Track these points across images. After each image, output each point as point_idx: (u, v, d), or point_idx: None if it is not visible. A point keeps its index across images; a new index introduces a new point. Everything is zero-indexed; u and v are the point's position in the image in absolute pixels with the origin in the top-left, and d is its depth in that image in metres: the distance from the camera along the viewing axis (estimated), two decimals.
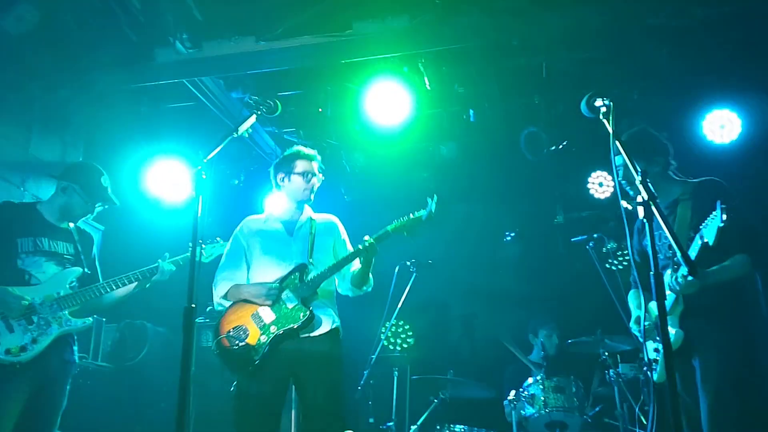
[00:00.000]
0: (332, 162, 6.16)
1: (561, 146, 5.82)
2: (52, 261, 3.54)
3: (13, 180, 4.64)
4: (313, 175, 3.81)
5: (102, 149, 5.43)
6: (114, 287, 3.59)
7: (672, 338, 3.06)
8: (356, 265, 3.71)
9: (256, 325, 3.51)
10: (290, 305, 3.53)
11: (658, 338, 3.19)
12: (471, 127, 5.86)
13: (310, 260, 3.67)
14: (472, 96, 5.49)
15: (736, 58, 4.65)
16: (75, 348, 3.59)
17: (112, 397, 4.97)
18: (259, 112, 3.22)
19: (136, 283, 3.66)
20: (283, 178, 3.82)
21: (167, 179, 5.43)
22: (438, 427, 4.73)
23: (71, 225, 3.73)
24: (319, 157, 3.89)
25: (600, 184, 5.60)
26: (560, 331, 5.40)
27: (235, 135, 3.05)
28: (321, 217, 3.91)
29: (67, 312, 3.45)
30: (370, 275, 3.74)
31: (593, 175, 5.66)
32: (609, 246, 5.20)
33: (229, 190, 6.26)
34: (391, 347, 3.88)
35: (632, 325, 3.40)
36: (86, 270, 3.66)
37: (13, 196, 4.60)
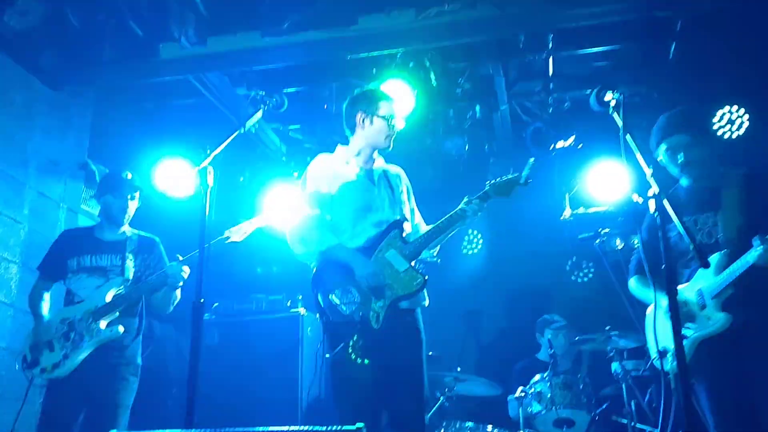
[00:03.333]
0: None
1: (568, 143, 5.79)
2: (94, 276, 3.70)
3: (18, 177, 4.63)
4: (395, 119, 3.41)
5: (106, 146, 5.42)
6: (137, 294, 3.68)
7: (719, 323, 2.99)
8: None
9: (365, 287, 3.12)
10: (401, 268, 3.15)
11: (688, 325, 3.07)
12: (477, 123, 5.84)
13: (406, 216, 3.37)
14: (478, 92, 5.47)
15: (745, 51, 4.61)
16: (127, 352, 3.69)
17: None
18: (265, 107, 3.21)
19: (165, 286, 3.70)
20: (364, 119, 3.37)
21: (172, 176, 5.40)
22: (445, 424, 4.71)
23: (128, 233, 3.87)
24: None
25: (608, 181, 5.55)
26: (568, 331, 5.36)
27: (242, 130, 3.04)
28: (391, 168, 3.57)
29: (100, 323, 3.55)
30: None
31: (601, 171, 5.61)
32: (614, 243, 5.17)
33: (234, 188, 6.25)
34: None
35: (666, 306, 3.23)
36: (128, 278, 3.73)
37: (18, 193, 4.59)
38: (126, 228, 3.91)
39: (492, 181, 3.36)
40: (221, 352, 5.29)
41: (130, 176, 3.84)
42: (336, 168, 3.39)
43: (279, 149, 6.29)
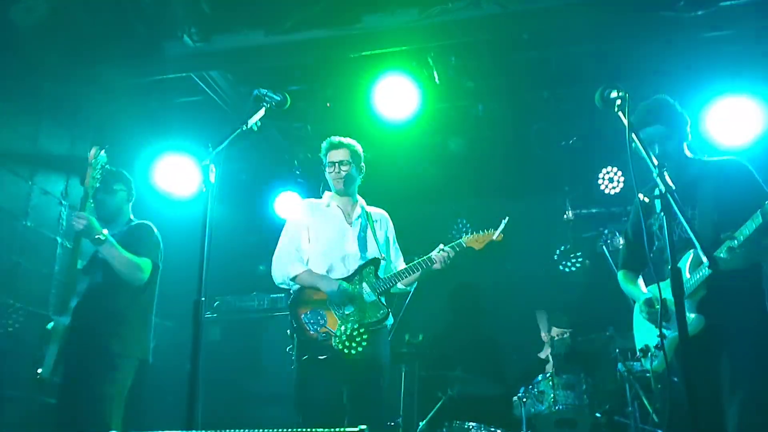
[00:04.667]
0: None
1: (571, 141, 5.78)
2: (88, 275, 3.65)
3: (22, 173, 4.63)
4: (344, 163, 3.79)
5: (110, 143, 5.41)
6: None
7: (691, 325, 2.86)
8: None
9: (334, 312, 3.53)
10: (369, 300, 3.58)
11: (665, 325, 2.94)
12: (480, 122, 5.82)
13: (382, 255, 3.73)
14: (482, 90, 5.46)
15: (754, 51, 4.58)
16: (98, 343, 3.55)
17: None
18: (268, 105, 3.19)
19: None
20: (324, 171, 3.88)
21: (175, 173, 5.41)
22: (446, 424, 4.69)
23: (125, 225, 3.88)
24: (353, 143, 3.89)
25: (610, 180, 5.54)
26: (573, 331, 5.34)
27: (245, 128, 3.03)
28: (374, 211, 3.96)
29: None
30: None
31: (603, 170, 5.60)
32: (617, 242, 5.16)
33: (237, 185, 6.25)
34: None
35: (642, 306, 3.13)
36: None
37: (22, 189, 4.59)
38: (117, 228, 3.85)
39: (468, 237, 3.71)
40: (223, 350, 5.29)
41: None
42: (319, 208, 3.86)
43: (281, 147, 6.29)
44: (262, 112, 3.15)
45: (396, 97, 5.06)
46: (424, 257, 3.64)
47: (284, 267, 3.67)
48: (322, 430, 2.16)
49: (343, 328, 3.48)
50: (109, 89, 5.24)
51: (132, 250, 3.68)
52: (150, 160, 5.46)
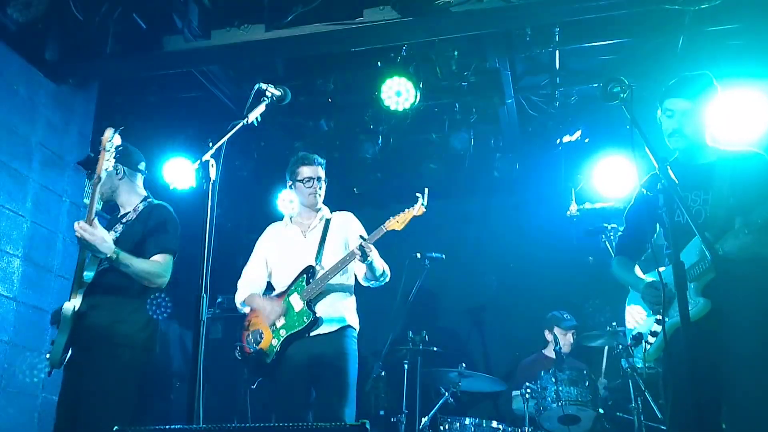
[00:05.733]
0: (341, 154, 6.12)
1: (574, 137, 5.75)
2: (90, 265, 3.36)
3: (21, 170, 4.61)
4: (318, 180, 3.91)
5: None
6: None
7: (696, 308, 2.73)
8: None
9: (270, 329, 3.73)
10: (297, 308, 3.69)
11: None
12: (482, 117, 5.80)
13: (317, 261, 3.79)
14: (484, 85, 5.42)
15: (757, 46, 4.54)
16: (102, 334, 3.28)
17: None
18: (268, 100, 3.17)
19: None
20: (291, 185, 3.98)
21: (176, 169, 5.39)
22: (449, 420, 4.68)
23: (134, 207, 3.61)
24: (323, 161, 4.00)
25: (613, 175, 5.50)
26: (577, 330, 5.30)
27: (245, 123, 3.01)
28: (336, 215, 4.01)
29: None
30: (379, 268, 3.75)
31: (606, 165, 5.56)
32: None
33: (239, 180, 6.23)
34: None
35: (645, 291, 2.97)
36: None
37: (21, 186, 4.58)
38: (129, 206, 3.60)
39: (388, 220, 3.68)
40: (225, 347, 5.27)
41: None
42: (277, 231, 4.06)
43: (283, 143, 6.27)
44: (262, 107, 3.11)
45: (398, 92, 5.03)
46: (347, 253, 3.69)
47: (237, 296, 3.94)
48: (322, 424, 2.14)
49: (274, 342, 3.66)
50: (109, 84, 5.23)
51: (152, 239, 3.46)
52: (150, 155, 5.44)
